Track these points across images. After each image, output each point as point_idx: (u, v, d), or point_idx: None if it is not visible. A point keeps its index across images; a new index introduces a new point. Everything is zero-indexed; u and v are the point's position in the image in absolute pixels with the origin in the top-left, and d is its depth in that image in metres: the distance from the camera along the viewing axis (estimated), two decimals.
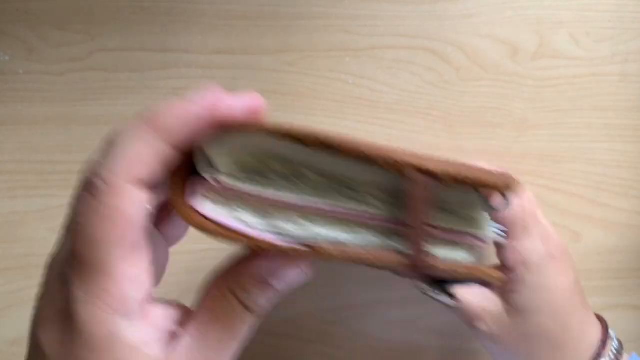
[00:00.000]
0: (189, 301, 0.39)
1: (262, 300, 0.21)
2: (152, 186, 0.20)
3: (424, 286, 0.31)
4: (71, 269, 0.19)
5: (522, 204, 0.31)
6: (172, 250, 0.40)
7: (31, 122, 0.39)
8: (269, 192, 0.20)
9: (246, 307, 0.21)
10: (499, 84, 0.40)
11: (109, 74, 0.39)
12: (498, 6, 0.40)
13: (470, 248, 0.22)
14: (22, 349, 0.39)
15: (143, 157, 0.19)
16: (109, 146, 0.19)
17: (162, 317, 0.21)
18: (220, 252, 0.40)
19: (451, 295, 0.30)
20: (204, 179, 0.20)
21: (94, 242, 0.19)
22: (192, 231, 0.40)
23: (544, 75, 0.40)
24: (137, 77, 0.39)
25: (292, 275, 0.21)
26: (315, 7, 0.39)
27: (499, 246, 0.31)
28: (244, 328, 0.21)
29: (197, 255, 0.39)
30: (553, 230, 0.32)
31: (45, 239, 0.39)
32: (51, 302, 0.20)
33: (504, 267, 0.31)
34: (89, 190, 0.19)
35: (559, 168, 0.41)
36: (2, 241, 0.39)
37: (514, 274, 0.30)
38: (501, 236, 0.26)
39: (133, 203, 0.19)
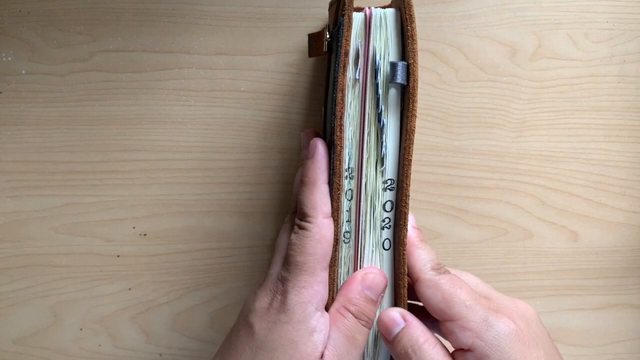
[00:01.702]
0: (189, 300, 0.40)
1: (368, 310, 0.29)
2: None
3: None
4: (289, 273, 0.29)
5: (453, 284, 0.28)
6: (172, 250, 0.40)
7: (34, 122, 0.39)
8: None
9: (360, 322, 0.29)
10: (497, 85, 0.40)
11: (111, 74, 0.39)
12: (497, 7, 0.40)
13: None
14: (25, 348, 0.40)
15: (325, 200, 0.29)
16: (302, 196, 0.29)
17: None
18: (220, 250, 0.40)
19: None
20: None
21: (309, 254, 0.28)
22: (190, 231, 0.40)
23: (543, 76, 0.41)
24: (139, 78, 0.39)
25: (378, 282, 0.29)
26: (315, 9, 0.39)
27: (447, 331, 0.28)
28: (364, 339, 0.29)
29: (196, 255, 0.40)
30: (505, 298, 0.30)
31: (47, 238, 0.39)
32: (267, 295, 0.29)
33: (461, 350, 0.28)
34: (304, 228, 0.29)
35: (558, 168, 0.41)
36: (5, 240, 0.39)
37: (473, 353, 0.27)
38: None
39: (329, 230, 0.28)
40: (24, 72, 0.38)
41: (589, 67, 0.41)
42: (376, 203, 0.28)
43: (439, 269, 0.29)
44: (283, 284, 0.29)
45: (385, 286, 0.29)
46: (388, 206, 0.28)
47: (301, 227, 0.29)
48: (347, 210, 0.29)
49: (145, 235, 0.40)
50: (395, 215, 0.28)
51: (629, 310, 0.42)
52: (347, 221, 0.29)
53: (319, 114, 0.40)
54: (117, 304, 0.40)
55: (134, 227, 0.40)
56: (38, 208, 0.39)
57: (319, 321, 0.28)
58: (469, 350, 0.27)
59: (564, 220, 0.41)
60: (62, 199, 0.39)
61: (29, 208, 0.39)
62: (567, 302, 0.42)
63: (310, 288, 0.28)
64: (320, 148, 0.29)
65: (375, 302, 0.29)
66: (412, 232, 0.29)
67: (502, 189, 0.41)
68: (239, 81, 0.39)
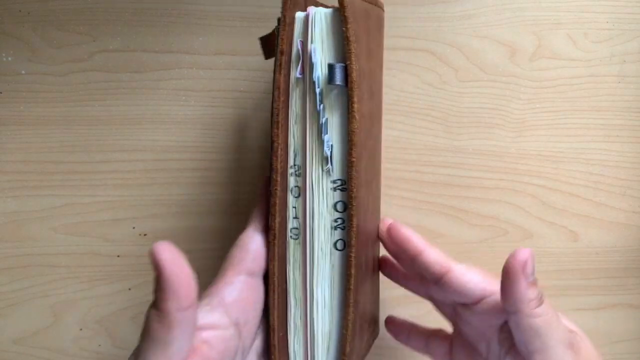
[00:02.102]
0: None
1: None
2: None
3: None
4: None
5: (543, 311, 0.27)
6: None
7: (33, 122, 0.39)
8: None
9: None
10: (497, 85, 0.40)
11: (110, 74, 0.39)
12: (496, 7, 0.40)
13: None
14: (25, 348, 0.40)
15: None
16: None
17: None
18: (220, 251, 0.40)
19: None
20: None
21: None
22: (190, 231, 0.40)
23: (542, 76, 0.41)
24: (139, 78, 0.39)
25: None
26: None
27: None
28: None
29: (196, 255, 0.40)
30: (583, 334, 0.29)
31: (47, 238, 0.39)
32: None
33: None
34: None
35: (557, 168, 0.41)
36: (5, 240, 0.39)
37: None
38: None
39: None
40: (23, 72, 0.39)
41: (588, 67, 0.41)
42: (325, 202, 0.28)
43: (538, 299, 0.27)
44: None
45: None
46: (340, 206, 0.28)
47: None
48: (294, 207, 0.28)
49: (145, 235, 0.40)
50: (347, 215, 0.28)
51: (628, 310, 0.42)
52: (295, 217, 0.28)
53: None
54: (117, 304, 0.40)
55: (134, 227, 0.40)
56: (38, 208, 0.39)
57: None
58: None
59: (564, 220, 0.41)
60: (62, 199, 0.39)
61: (29, 208, 0.39)
62: (567, 302, 0.42)
63: None
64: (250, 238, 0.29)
65: None
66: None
67: (501, 189, 0.41)
68: (239, 81, 0.39)
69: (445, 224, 0.41)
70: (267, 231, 0.28)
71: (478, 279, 0.29)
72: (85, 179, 0.39)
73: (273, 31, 0.31)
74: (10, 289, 0.39)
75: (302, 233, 0.28)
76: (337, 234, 0.28)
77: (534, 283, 0.26)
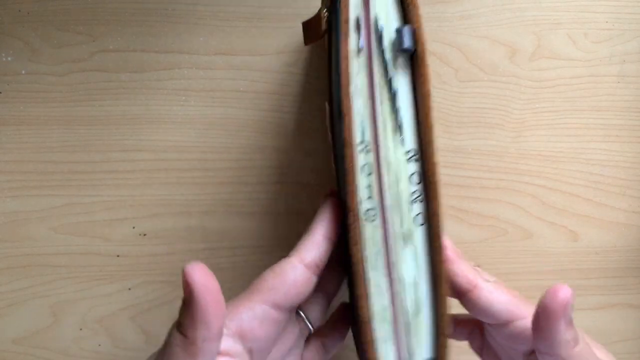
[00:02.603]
0: None
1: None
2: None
3: None
4: None
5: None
6: (172, 249, 0.40)
7: (33, 122, 0.39)
8: None
9: None
10: (497, 85, 0.40)
11: (110, 74, 0.39)
12: (496, 7, 0.40)
13: None
14: (25, 348, 0.40)
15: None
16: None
17: None
18: (220, 251, 0.40)
19: None
20: None
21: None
22: (190, 231, 0.40)
23: (542, 76, 0.41)
24: (139, 78, 0.39)
25: None
26: (315, 9, 0.39)
27: None
28: None
29: (196, 255, 0.40)
30: None
31: (46, 238, 0.39)
32: None
33: None
34: None
35: (557, 168, 0.41)
36: (4, 240, 0.39)
37: None
38: None
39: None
40: (23, 72, 0.38)
41: (588, 67, 0.41)
42: (400, 175, 0.26)
43: None
44: None
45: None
46: (415, 178, 0.26)
47: None
48: (366, 187, 0.26)
49: (145, 235, 0.40)
50: (425, 186, 0.26)
51: (628, 310, 0.42)
52: (369, 197, 0.26)
53: (318, 114, 0.40)
54: (117, 304, 0.40)
55: (133, 227, 0.40)
56: (37, 208, 0.39)
57: None
58: None
59: (564, 220, 0.41)
60: (62, 199, 0.39)
61: (29, 208, 0.39)
62: None
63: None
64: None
65: None
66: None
67: (501, 189, 0.41)
68: (238, 81, 0.39)
69: (445, 224, 0.41)
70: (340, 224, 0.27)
71: (506, 300, 0.27)
72: (85, 179, 0.39)
73: (316, 14, 0.30)
74: (10, 288, 0.39)
75: (379, 213, 0.26)
76: (416, 208, 0.26)
77: (571, 322, 0.24)
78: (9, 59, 0.38)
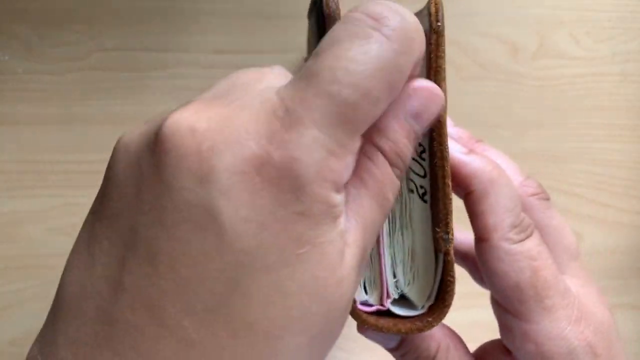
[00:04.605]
0: None
1: (406, 150, 0.17)
2: None
3: None
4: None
5: (533, 259, 0.20)
6: None
7: (30, 121, 0.38)
8: None
9: (394, 170, 0.17)
10: (499, 84, 0.40)
11: (108, 73, 0.38)
12: (498, 6, 0.40)
13: None
14: (21, 349, 0.39)
15: None
16: None
17: None
18: None
19: None
20: None
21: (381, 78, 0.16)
22: None
23: (545, 75, 0.40)
24: (137, 77, 0.39)
25: (431, 105, 0.17)
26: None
27: (505, 327, 0.21)
28: (394, 197, 0.17)
29: None
30: (594, 296, 0.23)
31: (44, 239, 0.39)
32: (274, 120, 0.16)
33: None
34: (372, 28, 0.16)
35: (560, 168, 0.41)
36: (1, 241, 0.39)
37: None
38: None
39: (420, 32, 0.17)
40: (20, 71, 0.38)
41: (591, 66, 0.41)
42: None
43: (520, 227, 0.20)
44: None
45: (440, 112, 0.18)
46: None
47: (372, 29, 0.15)
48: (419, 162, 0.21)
49: None
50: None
51: (632, 311, 0.42)
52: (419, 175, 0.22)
53: None
54: None
55: None
56: (34, 208, 0.39)
57: (350, 222, 0.16)
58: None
59: (567, 220, 0.40)
60: (59, 199, 0.39)
61: (25, 208, 0.39)
62: None
63: (353, 153, 0.15)
64: None
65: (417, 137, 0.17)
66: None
67: None
68: None
69: None
70: None
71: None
72: (82, 179, 0.39)
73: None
74: (7, 290, 0.39)
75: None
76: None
77: (514, 209, 0.20)
78: (6, 57, 0.38)
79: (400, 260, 0.22)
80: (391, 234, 0.22)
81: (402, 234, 0.22)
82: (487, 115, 0.40)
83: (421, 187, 0.22)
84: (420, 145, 0.21)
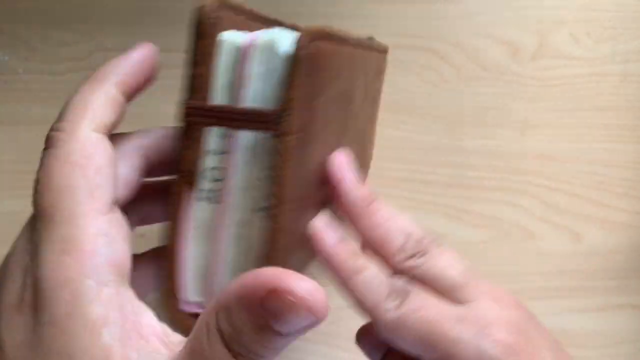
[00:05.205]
0: None
1: (258, 348, 0.15)
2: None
3: None
4: (40, 223, 0.17)
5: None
6: None
7: (31, 121, 0.38)
8: None
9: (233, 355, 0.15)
10: (499, 84, 0.40)
11: None
12: (498, 6, 0.40)
13: None
14: None
15: (96, 104, 0.19)
16: (65, 104, 0.19)
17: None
18: None
19: None
20: None
21: (60, 190, 0.17)
22: None
23: (545, 75, 0.40)
24: None
25: (304, 317, 0.15)
26: (315, 7, 0.39)
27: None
28: None
29: None
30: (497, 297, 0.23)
31: None
32: (16, 280, 0.17)
33: None
34: (51, 145, 0.18)
35: (560, 168, 0.41)
36: (2, 242, 0.39)
37: None
38: None
39: (97, 147, 0.18)
40: (21, 71, 0.38)
41: (591, 66, 0.41)
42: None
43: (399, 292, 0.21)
44: (31, 255, 0.17)
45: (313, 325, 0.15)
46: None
47: (48, 143, 0.18)
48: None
49: (143, 236, 0.39)
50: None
51: (632, 311, 0.42)
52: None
53: None
54: None
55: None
56: None
57: (107, 304, 0.16)
58: None
59: (567, 221, 0.41)
60: None
61: (26, 208, 0.39)
62: (570, 303, 0.41)
63: (77, 250, 0.16)
64: None
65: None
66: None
67: (503, 190, 0.41)
68: None
69: (447, 225, 0.41)
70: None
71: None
72: None
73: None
74: None
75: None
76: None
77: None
78: (6, 57, 0.38)
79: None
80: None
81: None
82: (487, 115, 0.40)
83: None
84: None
